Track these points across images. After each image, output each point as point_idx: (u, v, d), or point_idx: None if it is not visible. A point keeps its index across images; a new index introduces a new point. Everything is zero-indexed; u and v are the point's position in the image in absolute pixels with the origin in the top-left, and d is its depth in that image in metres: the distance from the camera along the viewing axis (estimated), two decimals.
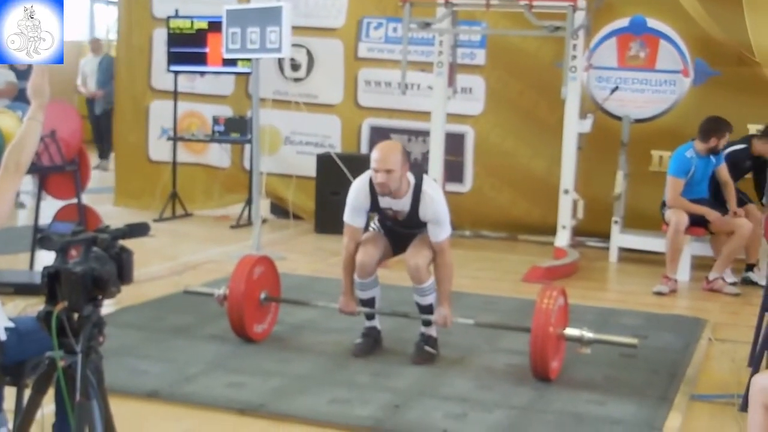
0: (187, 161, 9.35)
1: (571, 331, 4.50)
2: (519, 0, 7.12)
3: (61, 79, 11.76)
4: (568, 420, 4.01)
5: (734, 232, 6.60)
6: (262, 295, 5.02)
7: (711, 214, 6.65)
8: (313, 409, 4.01)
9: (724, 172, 6.86)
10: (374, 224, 4.90)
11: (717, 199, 6.84)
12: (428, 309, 4.74)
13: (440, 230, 4.60)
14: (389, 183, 4.46)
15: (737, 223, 6.62)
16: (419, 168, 4.69)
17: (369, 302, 4.85)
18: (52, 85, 2.91)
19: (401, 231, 4.75)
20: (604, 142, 7.76)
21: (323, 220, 8.37)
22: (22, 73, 9.50)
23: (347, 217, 4.71)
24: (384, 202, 4.62)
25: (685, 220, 6.60)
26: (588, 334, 4.45)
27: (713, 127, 6.69)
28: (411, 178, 4.56)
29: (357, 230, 4.72)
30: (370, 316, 4.93)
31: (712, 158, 6.76)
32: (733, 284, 6.71)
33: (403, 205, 4.59)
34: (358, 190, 4.66)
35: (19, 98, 8.98)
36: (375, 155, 4.50)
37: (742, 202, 6.90)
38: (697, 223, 6.71)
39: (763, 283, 6.68)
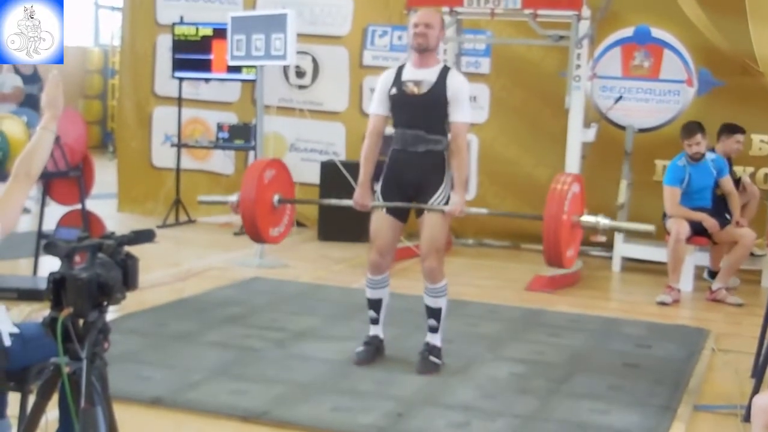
0: (191, 168, 9.37)
1: (586, 218, 4.40)
2: (524, 9, 7.13)
3: (66, 86, 11.73)
4: (571, 429, 4.00)
5: (737, 242, 6.60)
6: (276, 198, 4.99)
7: (708, 220, 6.64)
8: (315, 417, 4.01)
9: (727, 183, 6.87)
10: (377, 191, 4.76)
11: (720, 209, 6.85)
12: (437, 312, 4.71)
13: (459, 109, 4.59)
14: (428, 37, 4.59)
15: (740, 233, 6.62)
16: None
17: (377, 303, 4.84)
18: None
19: (414, 112, 4.64)
20: (608, 152, 7.75)
21: (327, 227, 8.36)
22: (29, 77, 9.52)
23: (372, 107, 4.85)
24: (407, 73, 4.66)
25: (686, 229, 6.59)
26: (604, 221, 4.38)
27: (682, 132, 6.80)
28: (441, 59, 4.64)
29: (381, 119, 4.81)
30: (373, 322, 4.91)
31: (711, 167, 6.76)
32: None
33: (429, 74, 4.62)
34: (386, 74, 4.78)
35: (26, 103, 8.98)
36: (416, 16, 4.64)
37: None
38: (700, 232, 6.70)
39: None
